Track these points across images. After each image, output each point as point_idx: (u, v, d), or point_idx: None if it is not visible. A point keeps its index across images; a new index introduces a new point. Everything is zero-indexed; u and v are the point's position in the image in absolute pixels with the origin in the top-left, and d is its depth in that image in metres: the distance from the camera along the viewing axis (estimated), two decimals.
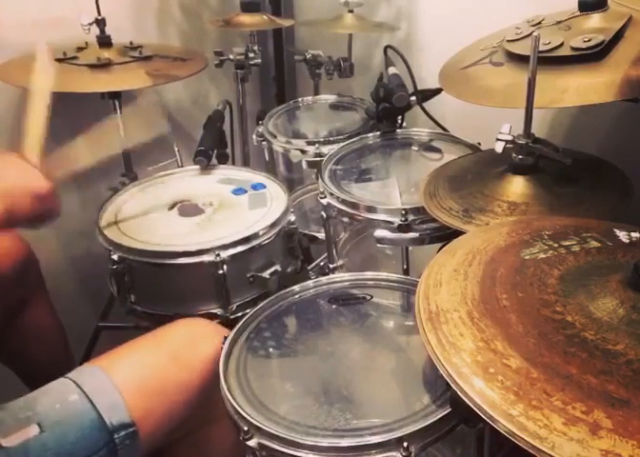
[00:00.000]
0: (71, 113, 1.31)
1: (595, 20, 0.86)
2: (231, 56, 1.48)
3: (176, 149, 1.30)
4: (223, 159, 1.33)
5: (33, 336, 1.18)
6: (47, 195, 0.83)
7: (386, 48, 1.35)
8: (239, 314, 1.01)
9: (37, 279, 1.19)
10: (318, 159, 1.22)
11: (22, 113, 0.90)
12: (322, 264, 1.26)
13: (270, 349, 0.84)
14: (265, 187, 1.19)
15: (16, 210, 0.80)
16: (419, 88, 1.26)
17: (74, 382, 0.77)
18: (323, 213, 1.08)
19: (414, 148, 1.24)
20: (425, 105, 1.26)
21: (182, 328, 0.90)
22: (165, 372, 0.83)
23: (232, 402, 0.72)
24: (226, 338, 0.83)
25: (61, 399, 0.75)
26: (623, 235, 0.71)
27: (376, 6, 1.53)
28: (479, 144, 1.16)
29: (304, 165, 1.26)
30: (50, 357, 1.22)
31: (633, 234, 0.71)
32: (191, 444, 0.88)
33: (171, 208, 1.13)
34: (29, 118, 0.91)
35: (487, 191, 0.88)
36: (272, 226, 1.05)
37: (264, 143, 1.37)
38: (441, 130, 1.28)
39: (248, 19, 1.43)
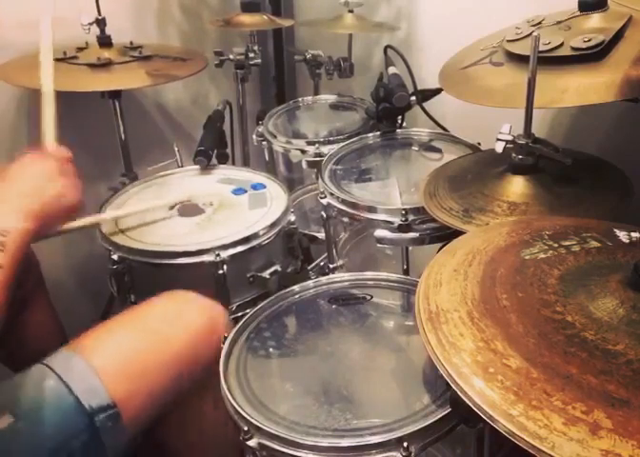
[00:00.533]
0: (72, 113, 1.31)
1: (595, 20, 0.86)
2: (231, 56, 1.48)
3: (176, 148, 1.30)
4: (223, 159, 1.33)
5: (33, 336, 1.18)
6: (77, 207, 0.87)
7: (386, 48, 1.35)
8: (239, 314, 1.01)
9: (38, 280, 1.19)
10: (318, 159, 1.22)
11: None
12: (322, 264, 1.26)
13: (270, 349, 0.84)
14: (265, 187, 1.19)
15: (48, 227, 0.83)
16: (419, 88, 1.26)
17: (49, 367, 0.75)
18: (323, 213, 1.08)
19: (414, 148, 1.24)
20: (425, 105, 1.26)
21: (162, 303, 0.87)
22: (145, 349, 0.81)
23: (232, 402, 0.72)
24: (226, 338, 0.82)
25: (36, 385, 0.73)
26: (623, 235, 0.71)
27: (376, 6, 1.53)
28: (479, 144, 1.16)
29: (304, 165, 1.26)
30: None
31: (633, 234, 0.71)
32: (182, 418, 0.87)
33: (171, 208, 1.13)
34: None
35: (487, 191, 0.88)
36: (272, 226, 1.05)
37: (264, 143, 1.37)
38: (441, 130, 1.28)
39: (248, 19, 1.43)
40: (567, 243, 0.69)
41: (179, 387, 0.82)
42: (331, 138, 1.30)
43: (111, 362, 0.78)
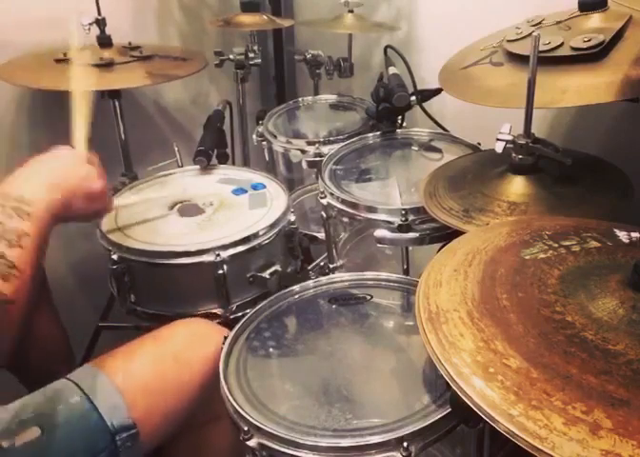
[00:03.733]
0: (71, 113, 1.31)
1: (595, 20, 0.86)
2: (231, 56, 1.48)
3: (176, 148, 1.30)
4: (223, 159, 1.33)
5: (34, 336, 1.18)
6: (100, 194, 0.89)
7: (386, 48, 1.35)
8: (239, 314, 1.01)
9: (41, 280, 1.19)
10: (318, 159, 1.22)
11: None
12: (322, 264, 1.26)
13: (270, 349, 0.84)
14: (265, 187, 1.18)
15: (72, 206, 0.84)
16: (419, 88, 1.26)
17: (75, 383, 0.77)
18: (323, 213, 1.08)
19: (414, 148, 1.24)
20: (425, 105, 1.26)
21: (182, 329, 0.90)
22: (165, 373, 0.83)
23: (232, 402, 0.72)
24: (226, 338, 0.83)
25: (62, 400, 0.75)
26: (623, 235, 0.71)
27: (376, 6, 1.53)
28: (479, 144, 1.16)
29: (304, 165, 1.26)
30: (51, 357, 1.22)
31: (633, 234, 0.71)
32: (191, 442, 0.88)
33: (171, 208, 1.13)
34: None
35: (487, 191, 0.88)
36: (272, 226, 1.05)
37: (264, 143, 1.37)
38: (441, 130, 1.28)
39: (248, 19, 1.43)
40: (567, 243, 0.69)
41: (191, 410, 0.84)
42: (331, 138, 1.30)
43: (133, 382, 0.80)
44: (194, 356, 0.85)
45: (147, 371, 0.82)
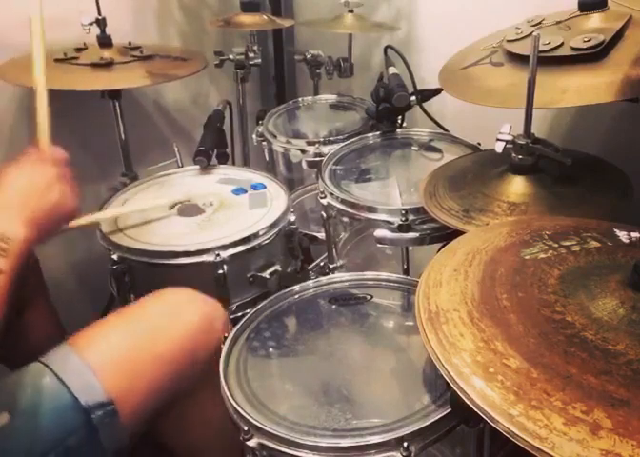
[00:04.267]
0: (72, 113, 1.31)
1: (595, 20, 0.86)
2: (231, 56, 1.48)
3: (176, 148, 1.30)
4: (223, 159, 1.33)
5: (34, 336, 1.18)
6: (74, 210, 0.88)
7: (386, 48, 1.35)
8: (239, 314, 1.01)
9: (38, 280, 1.19)
10: (318, 159, 1.22)
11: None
12: (322, 264, 1.26)
13: (270, 349, 0.84)
14: (265, 187, 1.18)
15: (49, 233, 0.84)
16: (419, 88, 1.26)
17: (45, 364, 0.75)
18: (323, 213, 1.08)
19: (414, 148, 1.24)
20: (425, 105, 1.26)
21: (156, 300, 0.87)
22: (141, 347, 0.80)
23: (232, 402, 0.72)
24: (226, 338, 0.82)
25: (32, 383, 0.73)
26: (623, 235, 0.71)
27: (376, 6, 1.53)
28: (479, 144, 1.16)
29: (304, 165, 1.26)
30: None
31: (633, 234, 0.71)
32: (181, 414, 0.87)
33: (171, 208, 1.13)
34: (37, 112, 0.92)
35: (487, 191, 0.88)
36: (272, 226, 1.05)
37: (264, 143, 1.37)
38: (441, 130, 1.28)
39: (248, 19, 1.43)
40: (567, 243, 0.69)
41: (177, 384, 0.82)
42: (331, 138, 1.30)
43: (107, 359, 0.78)
44: (172, 327, 0.83)
45: (121, 346, 0.80)
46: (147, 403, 0.79)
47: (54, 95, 0.93)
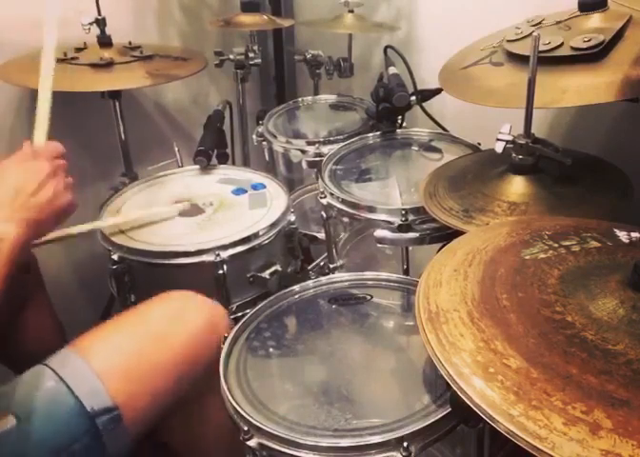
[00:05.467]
0: (72, 113, 1.31)
1: (595, 20, 0.86)
2: (231, 56, 1.48)
3: (176, 148, 1.30)
4: (223, 159, 1.33)
5: (33, 336, 1.18)
6: (69, 206, 0.85)
7: (386, 48, 1.35)
8: (239, 314, 1.01)
9: (37, 280, 1.19)
10: (318, 159, 1.22)
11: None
12: (322, 264, 1.26)
13: (270, 349, 0.84)
14: (265, 187, 1.19)
15: (43, 231, 0.83)
16: (419, 88, 1.26)
17: (51, 368, 0.75)
18: (323, 213, 1.08)
19: (414, 148, 1.24)
20: (425, 105, 1.26)
21: (163, 303, 0.87)
22: (145, 351, 0.80)
23: (232, 402, 0.72)
24: (226, 338, 0.82)
25: (38, 387, 0.73)
26: (623, 235, 0.71)
27: (376, 6, 1.53)
28: (479, 144, 1.16)
29: (304, 165, 1.26)
30: (48, 351, 1.21)
31: (633, 234, 0.71)
32: (185, 418, 0.87)
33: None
34: (37, 109, 0.91)
35: (487, 191, 0.88)
36: (272, 226, 1.05)
37: (264, 143, 1.38)
38: (441, 130, 1.28)
39: (248, 19, 1.43)
40: (567, 243, 0.69)
41: (180, 388, 0.82)
42: (331, 138, 1.30)
43: (112, 363, 0.78)
44: (176, 330, 0.83)
45: (125, 351, 0.80)
46: (151, 407, 0.79)
47: (54, 95, 0.93)
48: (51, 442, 0.71)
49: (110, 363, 0.78)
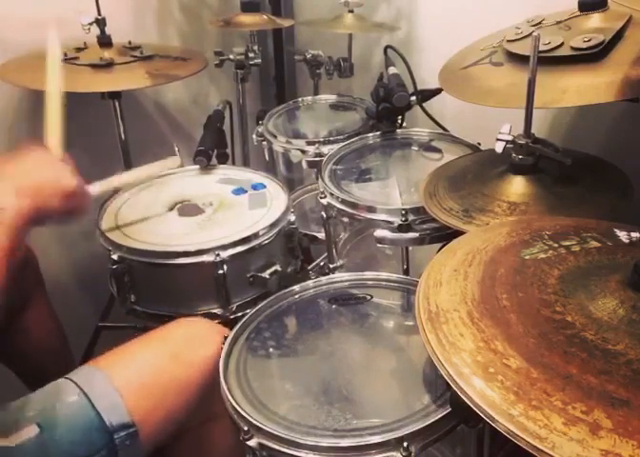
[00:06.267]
0: (72, 113, 1.31)
1: (595, 20, 0.86)
2: (231, 56, 1.48)
3: (176, 148, 1.30)
4: (223, 159, 1.33)
5: (33, 336, 1.18)
6: (76, 192, 0.85)
7: (386, 48, 1.35)
8: (239, 314, 1.01)
9: (36, 277, 1.19)
10: (318, 159, 1.22)
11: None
12: (322, 264, 1.26)
13: (270, 349, 0.84)
14: (265, 187, 1.18)
15: (46, 208, 0.80)
16: (419, 88, 1.26)
17: (74, 382, 0.77)
18: (323, 213, 1.08)
19: (414, 148, 1.24)
20: (425, 105, 1.26)
21: (182, 328, 0.90)
22: (165, 372, 0.83)
23: (232, 402, 0.72)
24: (226, 338, 0.83)
25: (61, 399, 0.75)
26: (623, 235, 0.71)
27: (376, 6, 1.53)
28: (479, 144, 1.16)
29: (304, 165, 1.26)
30: (50, 357, 1.22)
31: (633, 234, 0.71)
32: (192, 441, 0.88)
33: (171, 208, 1.13)
34: (48, 114, 0.91)
35: (487, 191, 0.88)
36: (272, 226, 1.05)
37: (264, 143, 1.37)
38: (441, 130, 1.28)
39: (248, 19, 1.43)
40: (567, 243, 0.69)
41: (192, 409, 0.84)
42: (331, 138, 1.30)
43: (132, 381, 0.80)
44: (194, 356, 0.85)
45: (146, 371, 0.82)
46: (166, 426, 0.81)
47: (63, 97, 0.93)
48: (70, 453, 0.73)
49: (131, 380, 0.80)
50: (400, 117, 1.31)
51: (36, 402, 0.75)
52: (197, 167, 1.26)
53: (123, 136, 1.39)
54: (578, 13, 0.88)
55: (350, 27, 1.41)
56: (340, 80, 1.52)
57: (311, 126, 1.45)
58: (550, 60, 0.81)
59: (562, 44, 0.83)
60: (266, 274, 1.04)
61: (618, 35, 0.81)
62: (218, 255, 0.98)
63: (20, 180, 0.79)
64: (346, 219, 1.08)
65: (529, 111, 0.80)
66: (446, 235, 0.91)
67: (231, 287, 1.01)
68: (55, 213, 0.83)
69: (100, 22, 1.28)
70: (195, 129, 1.53)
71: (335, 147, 1.23)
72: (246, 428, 0.69)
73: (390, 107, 1.22)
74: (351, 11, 1.40)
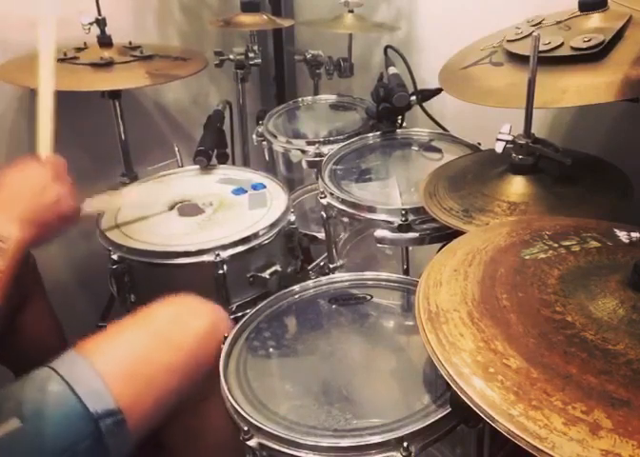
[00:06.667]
0: (72, 113, 1.31)
1: (595, 20, 0.86)
2: (231, 56, 1.48)
3: (176, 148, 1.30)
4: (223, 159, 1.33)
5: (32, 335, 1.18)
6: (73, 212, 0.88)
7: (386, 48, 1.35)
8: (239, 314, 1.01)
9: (34, 276, 1.19)
10: (318, 159, 1.22)
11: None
12: (322, 264, 1.26)
13: (270, 349, 0.84)
14: (265, 187, 1.19)
15: (46, 233, 0.84)
16: (419, 88, 1.26)
17: (54, 370, 0.75)
18: (323, 213, 1.08)
19: (414, 148, 1.24)
20: (425, 105, 1.26)
21: (166, 307, 0.87)
22: (151, 355, 0.81)
23: (232, 402, 0.72)
24: (226, 338, 0.82)
25: (42, 389, 0.73)
26: (623, 235, 0.71)
27: (376, 6, 1.53)
28: (479, 144, 1.16)
29: (304, 165, 1.26)
30: (49, 356, 1.21)
31: (633, 234, 0.71)
32: (186, 422, 0.87)
33: (171, 208, 1.13)
34: (38, 119, 0.92)
35: (487, 191, 0.88)
36: (272, 226, 1.05)
37: (264, 143, 1.38)
38: (441, 130, 1.28)
39: (248, 19, 1.43)
40: (567, 243, 0.69)
41: (182, 391, 0.82)
42: (331, 138, 1.30)
43: (116, 366, 0.78)
44: (181, 335, 0.83)
45: (130, 354, 0.80)
46: (154, 410, 0.79)
47: (55, 95, 0.93)
48: (54, 443, 0.71)
49: (115, 366, 0.78)
50: (400, 117, 1.31)
51: (17, 392, 0.74)
52: (197, 167, 1.26)
53: (123, 136, 1.39)
54: (578, 13, 0.88)
55: (350, 27, 1.41)
56: (340, 80, 1.52)
57: (311, 126, 1.45)
58: (550, 60, 0.81)
59: (562, 44, 0.83)
60: (266, 274, 1.04)
61: (618, 35, 0.81)
62: (218, 255, 0.98)
63: (23, 211, 0.81)
64: (346, 219, 1.08)
65: (529, 111, 0.80)
66: (446, 235, 0.91)
67: (231, 287, 1.01)
68: (50, 235, 0.86)
69: (100, 22, 1.28)
70: (195, 129, 1.53)
71: (335, 147, 1.23)
72: (246, 428, 0.69)
73: (390, 107, 1.22)
74: (351, 11, 1.40)
